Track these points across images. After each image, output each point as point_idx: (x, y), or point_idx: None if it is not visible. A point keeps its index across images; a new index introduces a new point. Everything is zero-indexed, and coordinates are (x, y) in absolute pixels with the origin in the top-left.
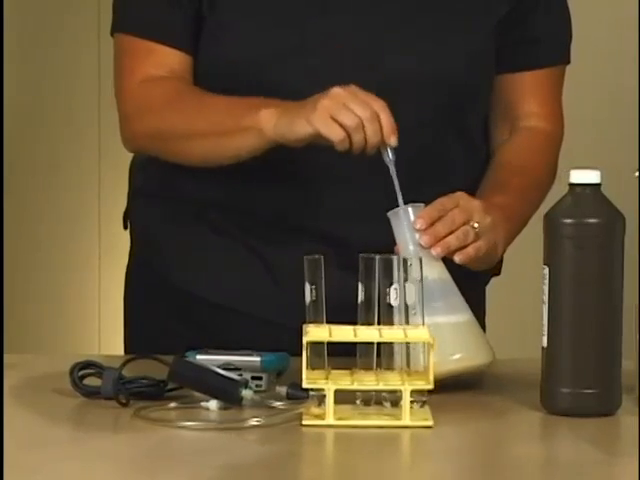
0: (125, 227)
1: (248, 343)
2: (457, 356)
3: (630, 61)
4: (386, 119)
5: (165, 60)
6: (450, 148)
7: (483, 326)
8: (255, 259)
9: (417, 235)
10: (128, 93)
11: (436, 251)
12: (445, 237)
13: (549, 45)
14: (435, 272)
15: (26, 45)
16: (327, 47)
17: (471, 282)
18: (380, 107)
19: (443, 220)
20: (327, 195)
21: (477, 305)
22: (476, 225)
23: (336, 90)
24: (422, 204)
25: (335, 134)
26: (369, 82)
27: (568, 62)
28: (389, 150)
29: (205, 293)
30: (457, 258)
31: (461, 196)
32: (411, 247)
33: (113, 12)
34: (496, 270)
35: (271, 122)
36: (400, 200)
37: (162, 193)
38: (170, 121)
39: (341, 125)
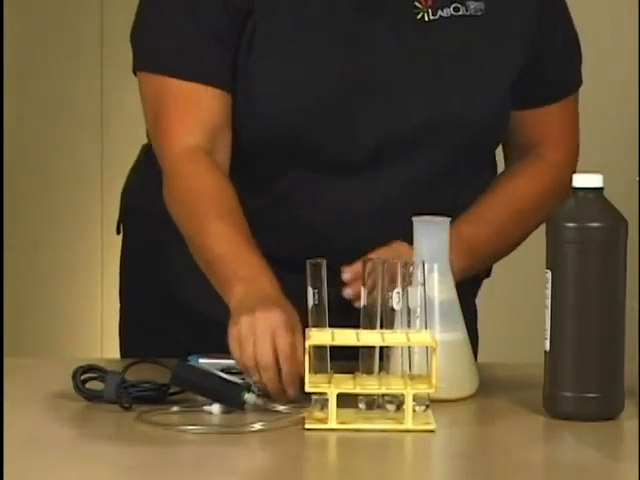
0: (118, 232)
1: None
2: (443, 385)
3: (631, 64)
4: (287, 369)
5: (209, 106)
6: (479, 172)
7: (475, 331)
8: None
9: (431, 249)
10: (170, 155)
11: None
12: None
13: (561, 80)
14: (444, 294)
15: (27, 47)
16: (364, 96)
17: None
18: (284, 357)
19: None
20: (341, 238)
21: (468, 315)
22: None
23: (244, 321)
24: (448, 218)
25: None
26: (405, 128)
27: (580, 83)
28: None
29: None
30: None
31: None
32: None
33: (141, 48)
34: (486, 273)
35: (235, 299)
36: None
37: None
38: (180, 223)
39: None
